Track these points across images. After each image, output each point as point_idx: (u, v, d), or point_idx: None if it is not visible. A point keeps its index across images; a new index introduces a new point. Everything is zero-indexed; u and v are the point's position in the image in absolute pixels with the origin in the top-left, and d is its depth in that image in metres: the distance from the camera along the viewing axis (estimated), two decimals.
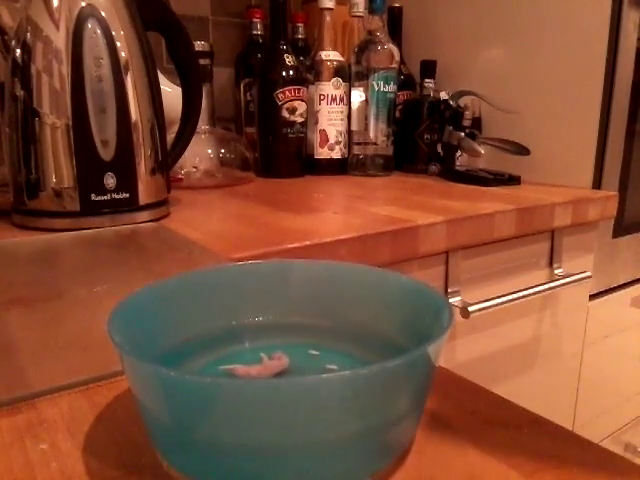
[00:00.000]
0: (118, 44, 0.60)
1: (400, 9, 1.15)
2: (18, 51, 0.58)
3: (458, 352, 0.76)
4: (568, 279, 0.82)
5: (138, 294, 0.26)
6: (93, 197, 0.60)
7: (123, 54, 0.60)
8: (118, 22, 0.60)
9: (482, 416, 0.27)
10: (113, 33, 0.59)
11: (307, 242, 0.54)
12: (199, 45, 0.85)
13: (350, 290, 0.30)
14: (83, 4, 0.58)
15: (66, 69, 0.58)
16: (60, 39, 0.58)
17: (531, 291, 0.77)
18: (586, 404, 0.97)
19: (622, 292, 0.99)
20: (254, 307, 0.31)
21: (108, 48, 0.59)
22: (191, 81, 0.72)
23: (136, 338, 0.24)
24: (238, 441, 0.19)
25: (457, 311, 0.72)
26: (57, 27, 0.58)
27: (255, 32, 1.13)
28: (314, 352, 0.29)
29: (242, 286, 0.31)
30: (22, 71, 0.58)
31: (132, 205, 0.62)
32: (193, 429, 0.20)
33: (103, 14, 0.59)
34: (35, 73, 0.58)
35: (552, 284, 0.80)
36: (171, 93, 0.81)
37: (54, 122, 0.59)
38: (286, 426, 0.19)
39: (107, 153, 0.60)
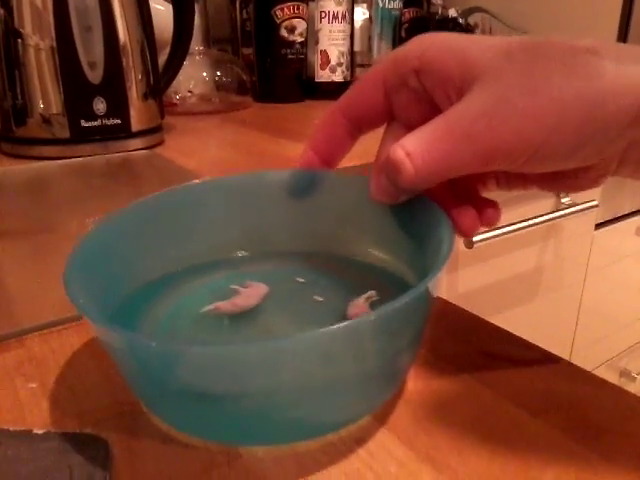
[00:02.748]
0: None
1: None
2: None
3: (460, 283, 0.75)
4: (574, 208, 0.80)
5: (94, 232, 0.24)
6: (83, 123, 0.58)
7: None
8: None
9: (488, 352, 0.26)
10: None
11: None
12: None
13: (334, 202, 0.27)
14: None
15: None
16: None
17: (537, 220, 0.75)
18: (585, 331, 0.98)
19: (628, 221, 0.97)
20: (231, 232, 0.28)
21: None
22: None
23: (99, 282, 0.22)
24: (228, 395, 0.18)
25: (460, 241, 0.71)
26: None
27: None
28: (300, 279, 0.27)
29: (212, 206, 0.28)
30: None
31: (124, 132, 0.60)
32: (176, 390, 0.19)
33: None
34: None
35: (558, 213, 0.78)
36: (162, 12, 0.76)
37: (37, 43, 0.56)
38: (281, 372, 0.18)
39: (95, 76, 0.57)
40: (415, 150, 0.20)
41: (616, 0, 0.82)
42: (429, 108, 0.23)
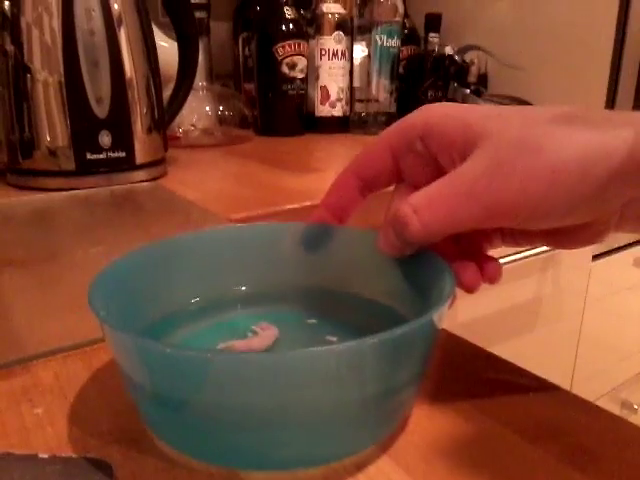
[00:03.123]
0: None
1: None
2: (7, 3, 0.57)
3: (459, 312, 0.76)
4: None
5: (122, 260, 0.25)
6: (88, 156, 0.59)
7: (116, 6, 0.58)
8: None
9: (487, 381, 0.26)
10: None
11: (307, 203, 0.53)
12: None
13: (343, 253, 0.29)
14: None
15: (57, 22, 0.56)
16: None
17: (534, 251, 0.76)
18: (585, 362, 0.98)
19: (625, 252, 0.98)
20: (246, 273, 0.29)
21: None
22: (187, 35, 0.70)
23: (119, 307, 0.23)
24: (233, 416, 0.19)
25: None
26: None
27: None
28: (312, 321, 0.28)
29: (234, 250, 0.29)
30: (12, 25, 0.57)
31: (128, 164, 0.61)
32: (184, 403, 0.19)
33: None
34: (25, 27, 0.56)
35: None
36: (167, 48, 0.79)
37: (46, 78, 0.57)
38: (286, 397, 0.18)
39: (102, 110, 0.58)
40: (421, 206, 0.22)
41: (607, 38, 0.85)
42: (434, 170, 0.24)
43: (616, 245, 0.97)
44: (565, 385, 0.25)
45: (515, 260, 0.74)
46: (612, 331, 1.02)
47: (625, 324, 1.04)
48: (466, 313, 0.77)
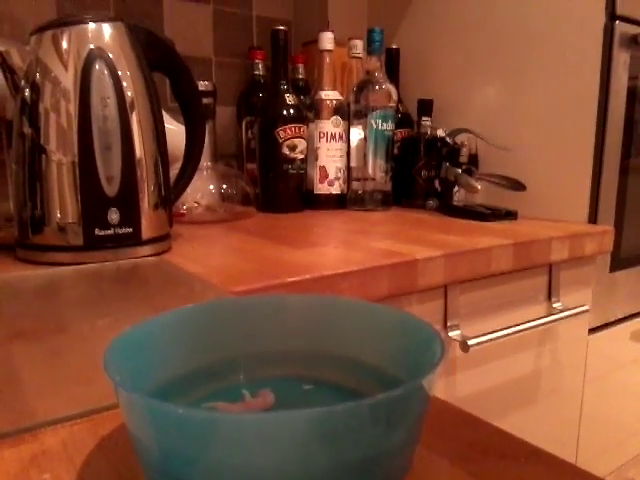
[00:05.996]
0: (124, 84, 0.62)
1: (397, 50, 1.18)
2: (27, 90, 0.60)
3: (458, 386, 0.76)
4: (566, 313, 0.82)
5: (134, 329, 0.27)
6: (97, 232, 0.61)
7: (129, 94, 0.62)
8: (125, 63, 0.62)
9: (479, 447, 0.27)
10: (120, 73, 0.61)
11: (307, 276, 0.55)
12: (202, 85, 0.88)
13: (343, 323, 0.31)
14: (92, 46, 0.60)
15: (73, 108, 0.59)
16: (68, 79, 0.59)
17: (530, 325, 0.77)
18: (588, 440, 0.96)
19: (621, 326, 0.99)
20: (249, 341, 0.31)
21: (115, 88, 0.61)
22: (195, 120, 0.74)
23: (130, 372, 0.24)
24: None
25: (457, 345, 0.72)
26: (66, 68, 0.60)
27: (257, 72, 1.17)
28: (308, 387, 0.29)
29: (237, 321, 0.31)
30: (30, 109, 0.60)
31: (135, 240, 0.63)
32: (185, 468, 0.20)
33: (110, 55, 0.61)
34: (43, 111, 0.60)
35: (551, 318, 0.80)
36: (174, 131, 0.83)
37: (60, 159, 0.60)
38: (278, 459, 0.19)
39: (111, 189, 0.61)
40: None
41: (590, 117, 0.90)
42: None
43: (612, 318, 0.98)
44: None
45: (510, 334, 0.74)
46: (614, 408, 1.01)
47: (626, 400, 1.03)
48: (465, 388, 0.76)
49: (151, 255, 0.64)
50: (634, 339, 1.00)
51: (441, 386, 0.74)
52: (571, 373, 0.92)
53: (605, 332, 0.96)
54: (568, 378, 0.92)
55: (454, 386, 0.75)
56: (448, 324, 0.72)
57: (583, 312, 0.84)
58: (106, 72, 0.61)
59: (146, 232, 0.64)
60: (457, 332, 0.73)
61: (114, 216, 0.62)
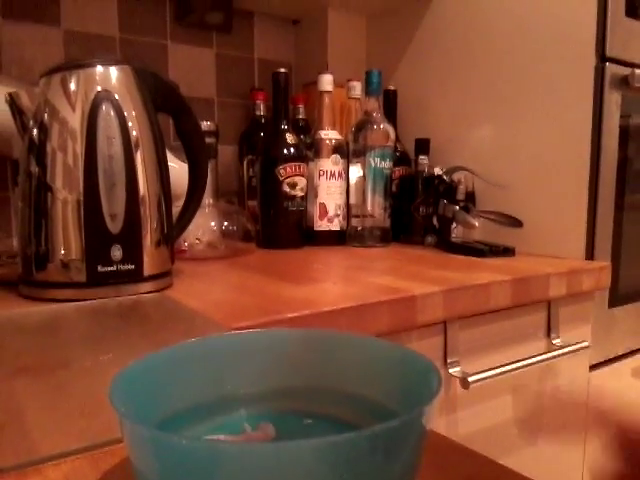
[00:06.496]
0: (130, 124, 0.63)
1: (395, 92, 1.22)
2: (35, 130, 0.62)
3: (460, 424, 0.75)
4: (566, 349, 0.82)
5: (135, 364, 0.27)
6: (99, 268, 0.62)
7: (134, 133, 0.64)
8: (131, 104, 0.64)
9: (474, 478, 0.27)
10: (125, 114, 0.63)
11: (307, 311, 0.55)
12: (205, 125, 0.90)
13: (342, 357, 0.31)
14: (99, 88, 0.62)
15: (80, 147, 0.61)
16: (76, 120, 0.61)
17: (530, 361, 0.77)
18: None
19: (622, 362, 0.99)
20: (249, 375, 0.31)
21: (120, 128, 0.63)
22: (197, 159, 0.76)
23: (132, 406, 0.24)
24: None
25: (457, 382, 0.72)
26: (73, 109, 0.62)
27: (258, 112, 1.20)
28: (308, 421, 0.30)
29: (238, 355, 0.31)
30: (38, 149, 0.62)
31: (137, 276, 0.64)
32: None
33: (117, 97, 0.63)
34: (50, 151, 0.61)
35: (551, 354, 0.80)
36: (177, 169, 0.85)
37: (66, 197, 0.61)
38: None
39: (115, 226, 0.62)
40: None
41: (584, 159, 0.92)
42: None
43: (613, 355, 0.98)
44: None
45: (510, 370, 0.74)
46: None
47: None
48: (467, 425, 0.76)
49: (152, 291, 0.65)
50: (635, 376, 1.00)
51: (442, 424, 0.73)
52: (573, 411, 0.91)
53: (606, 368, 0.96)
54: (570, 416, 0.91)
55: (456, 424, 0.75)
56: (448, 361, 0.72)
57: (584, 348, 0.84)
58: (112, 113, 0.62)
59: (148, 269, 0.65)
60: (457, 369, 0.73)
61: (117, 253, 0.62)
